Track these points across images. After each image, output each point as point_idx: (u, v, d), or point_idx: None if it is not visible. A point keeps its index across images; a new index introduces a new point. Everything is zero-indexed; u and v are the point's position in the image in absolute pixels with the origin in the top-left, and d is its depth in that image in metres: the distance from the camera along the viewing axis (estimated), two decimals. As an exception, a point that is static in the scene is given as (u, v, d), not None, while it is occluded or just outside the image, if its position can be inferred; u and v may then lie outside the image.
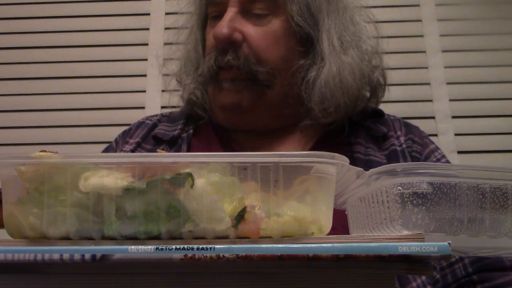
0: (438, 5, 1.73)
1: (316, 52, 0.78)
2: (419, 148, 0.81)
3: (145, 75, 1.65)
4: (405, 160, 0.78)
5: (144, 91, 1.66)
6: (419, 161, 0.79)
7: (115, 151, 0.86)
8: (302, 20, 0.77)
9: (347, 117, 0.80)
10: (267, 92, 0.77)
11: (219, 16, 0.78)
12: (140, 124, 0.89)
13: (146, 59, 1.65)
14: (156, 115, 0.92)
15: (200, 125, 0.85)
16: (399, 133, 0.83)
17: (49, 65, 1.70)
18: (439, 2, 1.73)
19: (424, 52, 1.69)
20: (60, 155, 0.41)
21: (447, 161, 0.82)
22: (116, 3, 1.76)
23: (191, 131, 0.84)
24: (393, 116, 0.88)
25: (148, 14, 1.74)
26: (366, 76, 0.80)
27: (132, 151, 0.81)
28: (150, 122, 0.88)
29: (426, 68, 1.67)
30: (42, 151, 0.41)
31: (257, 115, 0.80)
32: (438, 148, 0.84)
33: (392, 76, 1.66)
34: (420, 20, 1.72)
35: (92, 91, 1.67)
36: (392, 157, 0.78)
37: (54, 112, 1.66)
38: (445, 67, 1.67)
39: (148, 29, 1.72)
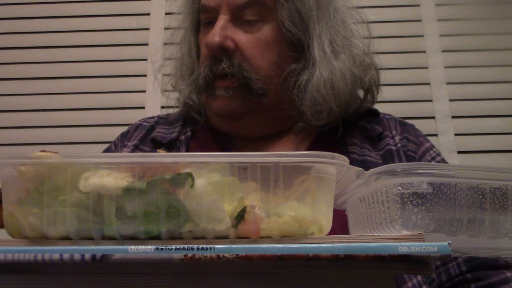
0: (438, 5, 1.73)
1: (308, 57, 0.79)
2: (414, 147, 0.81)
3: (145, 75, 1.65)
4: (400, 160, 0.78)
5: (144, 91, 1.66)
6: (414, 160, 0.79)
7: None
8: (293, 26, 0.77)
9: (340, 118, 0.81)
10: (262, 101, 0.78)
11: (211, 22, 0.78)
12: (137, 126, 0.89)
13: (146, 59, 1.65)
14: (153, 117, 0.92)
15: (197, 129, 0.86)
16: (394, 132, 0.83)
17: (49, 65, 1.70)
18: (439, 2, 1.73)
19: (424, 52, 1.69)
20: (60, 155, 0.41)
21: (443, 159, 0.82)
22: (116, 3, 1.76)
23: (189, 133, 0.84)
24: (388, 115, 0.88)
25: (148, 14, 1.74)
26: (358, 80, 0.81)
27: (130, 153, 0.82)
28: (148, 124, 0.88)
29: (426, 68, 1.67)
30: (42, 151, 0.41)
31: (252, 121, 0.80)
32: (433, 146, 0.84)
33: (392, 76, 1.68)
34: (420, 20, 1.72)
35: (92, 91, 1.68)
36: (387, 157, 0.78)
37: (54, 112, 1.66)
38: (445, 67, 1.67)
39: (148, 29, 1.73)
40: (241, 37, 0.76)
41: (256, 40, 0.77)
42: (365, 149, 0.79)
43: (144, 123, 0.89)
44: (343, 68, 0.78)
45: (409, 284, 0.66)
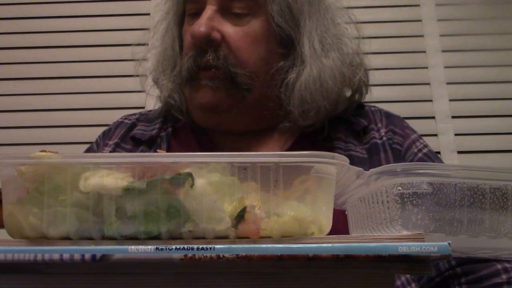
0: (438, 5, 1.73)
1: (297, 54, 0.77)
2: (400, 139, 0.79)
3: (145, 75, 1.65)
4: (386, 153, 0.77)
5: (144, 91, 1.65)
6: (400, 153, 0.78)
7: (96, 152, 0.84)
8: (283, 21, 0.75)
9: (327, 119, 0.79)
10: (246, 96, 0.76)
11: (197, 13, 0.75)
12: (119, 124, 0.87)
13: (146, 59, 1.65)
14: (134, 114, 0.90)
15: (178, 127, 0.84)
16: (379, 125, 0.81)
17: (49, 65, 1.70)
18: (439, 2, 1.73)
19: (424, 52, 1.69)
20: (60, 155, 0.41)
21: (430, 151, 0.80)
22: (116, 3, 1.76)
23: (169, 129, 0.82)
24: (374, 107, 0.86)
25: (148, 14, 1.74)
26: (347, 79, 0.79)
27: (111, 152, 0.80)
28: (129, 122, 0.86)
29: (426, 68, 1.67)
30: (42, 151, 0.41)
31: (235, 116, 0.78)
32: (420, 138, 0.82)
33: (392, 76, 1.67)
34: (420, 20, 1.72)
35: (92, 91, 1.68)
36: (373, 151, 0.77)
37: (54, 112, 1.66)
38: (445, 67, 1.67)
39: (148, 29, 1.72)
40: (229, 29, 0.74)
41: (244, 34, 0.74)
42: (350, 143, 0.77)
43: (126, 121, 0.88)
44: (332, 66, 0.76)
45: (398, 282, 0.66)
